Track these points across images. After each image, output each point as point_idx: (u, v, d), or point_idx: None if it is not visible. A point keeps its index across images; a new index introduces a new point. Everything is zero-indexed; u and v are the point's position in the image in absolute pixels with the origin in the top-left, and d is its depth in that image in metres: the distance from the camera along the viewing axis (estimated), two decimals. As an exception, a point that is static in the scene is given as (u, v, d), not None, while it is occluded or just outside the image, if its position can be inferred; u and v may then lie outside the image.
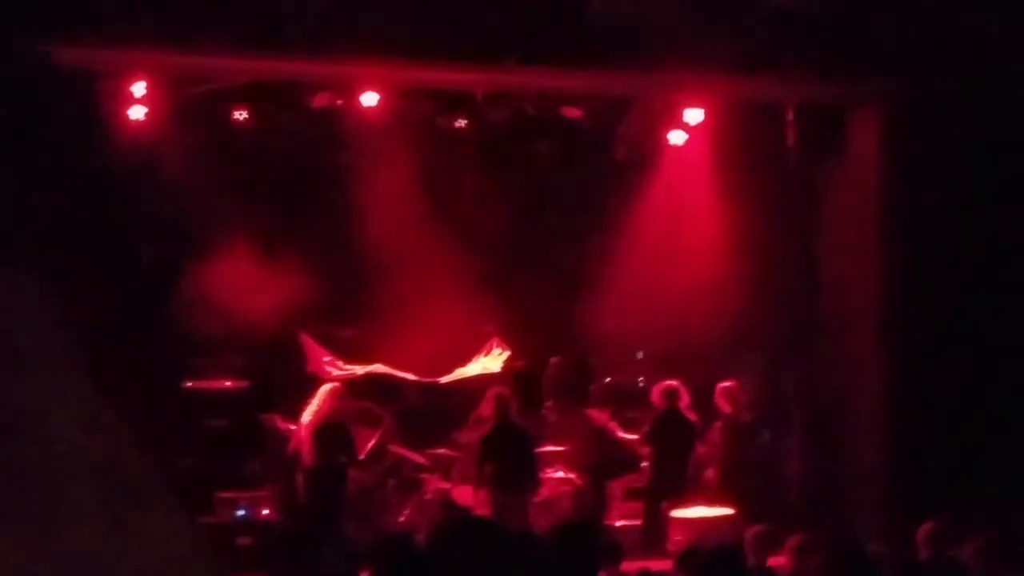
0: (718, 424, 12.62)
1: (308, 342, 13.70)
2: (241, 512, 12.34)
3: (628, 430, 12.99)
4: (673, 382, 12.48)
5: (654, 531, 12.00)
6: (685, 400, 12.43)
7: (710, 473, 12.67)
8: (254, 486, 12.58)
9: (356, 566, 9.45)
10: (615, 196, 14.45)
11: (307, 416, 11.83)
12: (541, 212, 14.88)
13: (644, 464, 12.36)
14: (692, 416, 12.47)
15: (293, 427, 12.09)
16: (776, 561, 8.21)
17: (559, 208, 14.81)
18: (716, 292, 13.93)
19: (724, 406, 12.53)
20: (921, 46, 11.76)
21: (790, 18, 11.56)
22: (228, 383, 13.34)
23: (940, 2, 11.78)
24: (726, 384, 12.61)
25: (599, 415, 13.16)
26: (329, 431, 11.72)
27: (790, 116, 13.03)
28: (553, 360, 13.86)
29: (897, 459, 12.11)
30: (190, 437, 12.88)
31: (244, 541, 12.02)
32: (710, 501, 12.16)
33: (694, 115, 13.13)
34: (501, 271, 14.35)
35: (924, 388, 11.94)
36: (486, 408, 12.53)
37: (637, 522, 12.43)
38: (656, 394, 12.43)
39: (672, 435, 12.07)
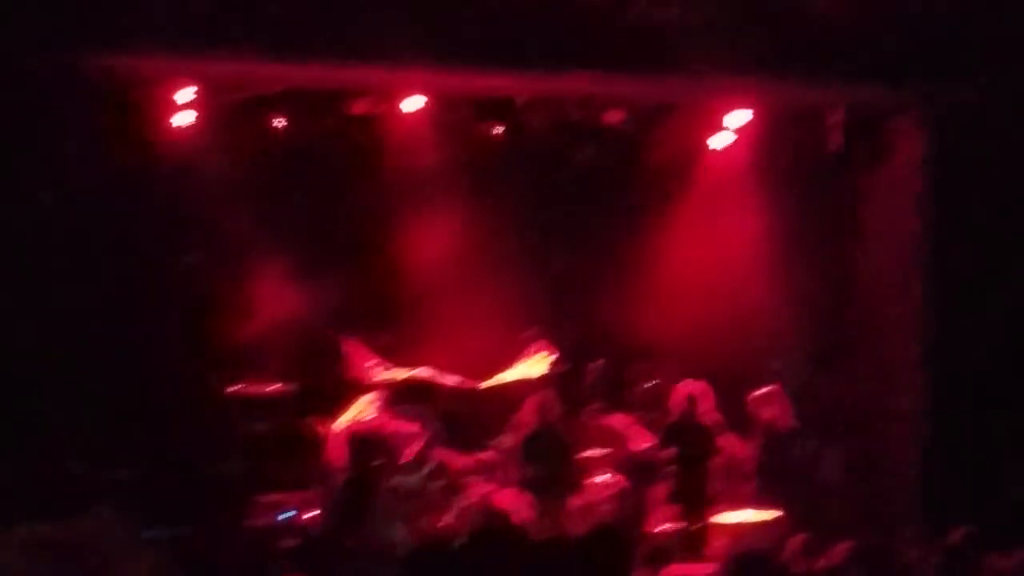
0: (757, 430, 12.53)
1: (351, 346, 13.77)
2: (284, 515, 12.43)
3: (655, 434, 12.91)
4: (694, 385, 12.35)
5: (689, 536, 11.97)
6: (708, 403, 12.29)
7: (748, 479, 12.58)
8: (298, 489, 12.68)
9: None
10: (654, 202, 14.41)
11: (344, 421, 11.91)
12: (579, 218, 14.83)
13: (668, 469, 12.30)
14: (715, 419, 12.31)
15: (332, 432, 12.16)
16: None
17: (597, 213, 14.75)
18: (753, 298, 13.85)
19: (762, 413, 12.45)
20: (966, 49, 11.65)
21: (831, 21, 11.48)
22: (271, 387, 13.43)
23: (987, 6, 11.66)
24: (764, 390, 12.52)
25: (621, 420, 13.11)
26: (365, 437, 11.79)
27: (833, 122, 12.90)
28: (592, 364, 13.83)
29: (936, 467, 12.03)
30: (234, 441, 12.98)
31: (287, 543, 12.12)
32: (751, 506, 12.11)
33: (738, 118, 13.01)
34: (541, 276, 14.35)
35: (964, 396, 11.84)
36: (526, 414, 12.55)
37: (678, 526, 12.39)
38: (675, 398, 12.32)
39: (688, 440, 11.97)
